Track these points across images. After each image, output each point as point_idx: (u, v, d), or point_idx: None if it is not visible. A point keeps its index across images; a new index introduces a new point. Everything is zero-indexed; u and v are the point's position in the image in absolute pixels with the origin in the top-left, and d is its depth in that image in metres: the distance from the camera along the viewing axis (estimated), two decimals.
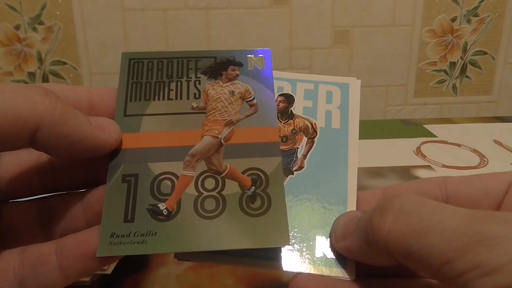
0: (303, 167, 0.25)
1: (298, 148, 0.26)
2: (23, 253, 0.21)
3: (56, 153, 0.21)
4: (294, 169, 0.25)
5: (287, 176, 0.25)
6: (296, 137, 0.27)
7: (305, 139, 0.26)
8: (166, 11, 0.68)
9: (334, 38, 0.71)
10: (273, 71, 0.28)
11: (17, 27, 0.68)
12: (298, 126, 0.27)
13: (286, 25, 0.70)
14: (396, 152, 0.55)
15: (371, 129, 0.62)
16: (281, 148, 0.26)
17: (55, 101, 0.20)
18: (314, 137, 0.26)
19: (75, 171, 0.24)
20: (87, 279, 0.28)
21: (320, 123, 0.27)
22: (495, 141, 0.58)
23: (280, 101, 0.27)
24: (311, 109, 0.27)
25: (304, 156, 0.26)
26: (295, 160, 0.26)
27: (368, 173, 0.49)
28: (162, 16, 0.69)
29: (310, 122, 0.27)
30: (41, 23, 0.68)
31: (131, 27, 0.69)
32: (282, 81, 0.28)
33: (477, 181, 0.23)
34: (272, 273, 0.21)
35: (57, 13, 0.68)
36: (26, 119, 0.18)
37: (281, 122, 0.27)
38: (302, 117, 0.27)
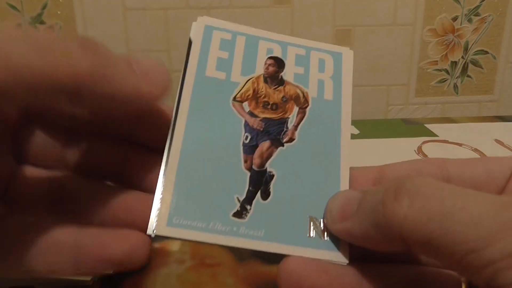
0: (294, 139, 0.24)
1: (288, 118, 0.24)
2: (37, 227, 0.20)
3: (93, 109, 0.20)
4: (284, 140, 0.24)
5: (277, 148, 0.23)
6: (287, 106, 0.25)
7: (296, 108, 0.25)
8: (168, 10, 0.68)
9: (335, 37, 0.71)
10: (261, 31, 0.26)
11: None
12: (288, 94, 0.25)
13: (287, 25, 0.70)
14: (397, 151, 0.55)
15: (372, 128, 0.62)
16: (271, 116, 0.24)
17: (94, 55, 0.18)
18: (306, 107, 0.25)
19: (107, 159, 0.23)
20: (89, 278, 0.28)
21: (312, 92, 0.25)
22: (497, 141, 0.58)
23: (269, 65, 0.25)
24: (303, 76, 0.25)
25: (295, 127, 0.24)
26: (286, 131, 0.24)
27: None
28: (164, 15, 0.69)
29: (301, 91, 0.25)
30: (42, 22, 0.68)
31: (132, 26, 0.69)
32: (272, 42, 0.26)
33: (481, 164, 0.22)
34: (274, 271, 0.20)
35: (58, 12, 0.68)
36: (62, 76, 0.17)
37: (271, 88, 0.25)
38: (293, 84, 0.25)
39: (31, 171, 0.23)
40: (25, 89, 0.16)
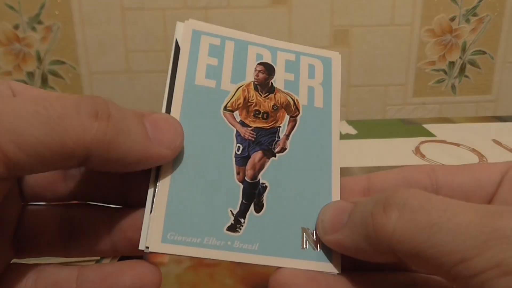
0: (285, 148, 0.23)
1: (280, 127, 0.24)
2: (39, 273, 0.20)
3: (107, 172, 0.20)
4: (276, 150, 0.23)
5: (269, 159, 0.23)
6: (278, 114, 0.24)
7: (287, 117, 0.24)
8: (165, 10, 0.68)
9: (333, 37, 0.71)
10: (250, 35, 0.25)
11: (16, 27, 0.68)
12: (279, 102, 0.24)
13: (285, 25, 0.70)
14: (395, 151, 0.55)
15: (370, 128, 0.62)
16: (262, 125, 0.24)
17: (105, 125, 0.18)
18: (297, 115, 0.24)
19: (106, 184, 0.23)
20: None
21: (302, 100, 0.24)
22: (494, 141, 0.58)
23: (259, 71, 0.25)
24: (293, 83, 0.25)
25: (287, 136, 0.24)
26: (277, 141, 0.23)
27: (368, 172, 0.49)
28: (161, 15, 0.69)
29: (292, 98, 0.24)
30: (40, 22, 0.68)
31: (130, 26, 0.69)
32: (261, 47, 0.25)
33: (469, 172, 0.22)
34: (271, 272, 0.20)
35: (56, 12, 0.68)
36: (73, 150, 0.17)
37: (261, 96, 0.24)
38: (284, 92, 0.24)
39: (37, 208, 0.23)
40: (36, 161, 0.17)
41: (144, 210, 0.21)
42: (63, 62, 0.70)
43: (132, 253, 0.22)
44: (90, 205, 0.23)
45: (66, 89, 0.72)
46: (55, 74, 0.71)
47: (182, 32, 0.24)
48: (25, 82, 0.71)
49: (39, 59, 0.70)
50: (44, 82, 0.71)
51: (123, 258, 0.30)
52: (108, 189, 0.23)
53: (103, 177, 0.23)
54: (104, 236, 0.22)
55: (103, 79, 0.71)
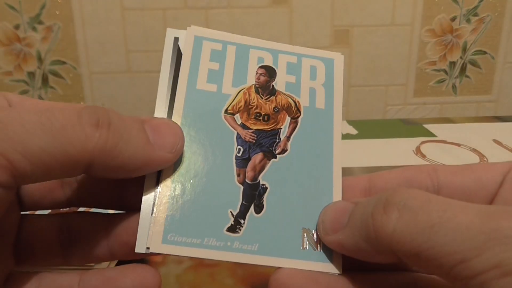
0: (286, 150, 0.23)
1: (281, 128, 0.24)
2: (40, 280, 0.21)
3: (110, 178, 0.20)
4: (277, 152, 0.23)
5: (270, 160, 0.23)
6: (279, 116, 0.24)
7: (288, 118, 0.24)
8: (166, 10, 0.68)
9: (334, 37, 0.71)
10: (252, 39, 0.26)
11: (17, 27, 0.68)
12: (280, 104, 0.24)
13: (286, 25, 0.70)
14: (395, 151, 0.55)
15: (371, 128, 0.62)
16: (263, 128, 0.24)
17: (106, 133, 0.18)
18: (298, 117, 0.24)
19: (103, 189, 0.23)
20: None
21: (303, 101, 0.25)
22: (495, 141, 0.58)
23: (260, 74, 0.25)
24: (294, 85, 0.25)
25: (288, 138, 0.24)
26: (278, 142, 0.24)
27: (368, 172, 0.49)
28: (162, 15, 0.69)
29: (293, 100, 0.25)
30: (40, 22, 0.68)
31: (130, 26, 0.69)
32: (262, 50, 0.26)
33: (471, 172, 0.22)
34: (271, 272, 0.20)
35: (57, 12, 0.68)
36: (76, 158, 0.18)
37: (262, 98, 0.24)
38: (285, 94, 0.25)
39: (35, 217, 0.23)
40: (41, 170, 0.17)
41: (139, 213, 0.21)
42: (63, 62, 0.70)
43: (128, 256, 0.22)
44: (87, 212, 0.23)
45: (66, 89, 0.72)
46: (55, 74, 0.71)
47: (172, 37, 0.25)
48: (26, 82, 0.71)
49: (40, 59, 0.70)
50: (45, 82, 0.71)
51: (121, 261, 0.30)
52: (104, 194, 0.23)
53: (99, 182, 0.23)
54: (101, 242, 0.22)
55: (103, 79, 0.71)
